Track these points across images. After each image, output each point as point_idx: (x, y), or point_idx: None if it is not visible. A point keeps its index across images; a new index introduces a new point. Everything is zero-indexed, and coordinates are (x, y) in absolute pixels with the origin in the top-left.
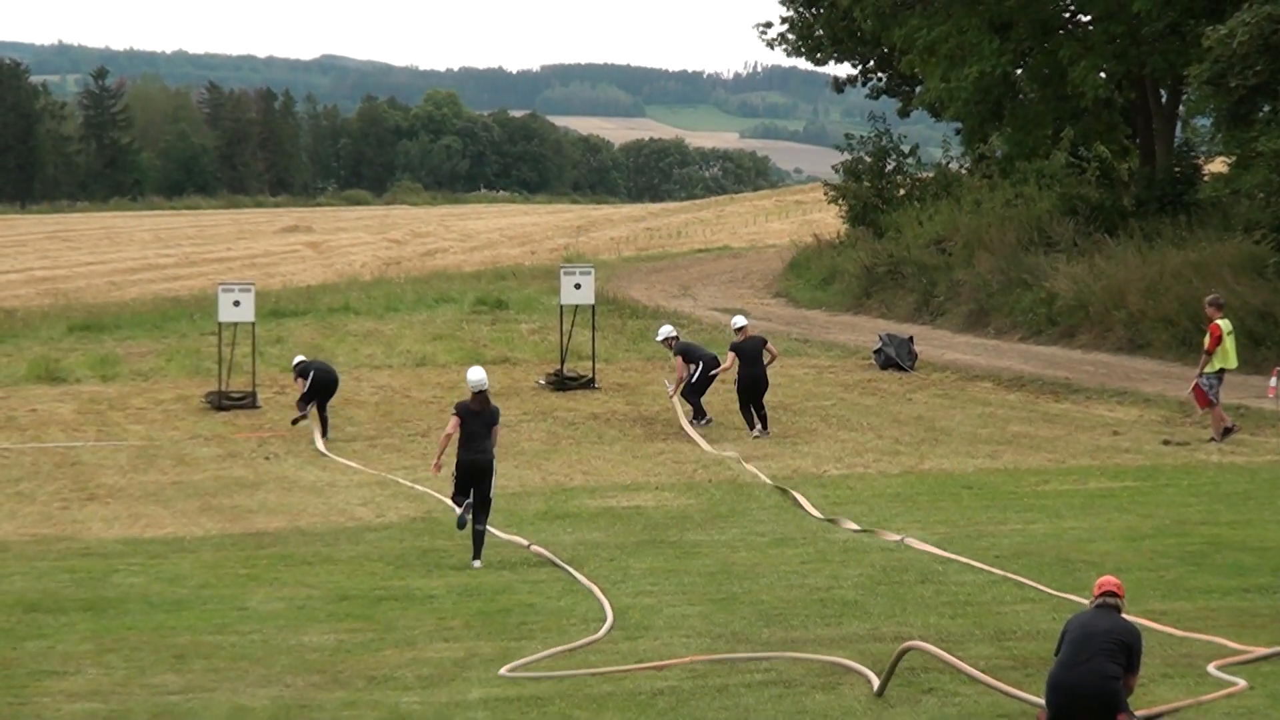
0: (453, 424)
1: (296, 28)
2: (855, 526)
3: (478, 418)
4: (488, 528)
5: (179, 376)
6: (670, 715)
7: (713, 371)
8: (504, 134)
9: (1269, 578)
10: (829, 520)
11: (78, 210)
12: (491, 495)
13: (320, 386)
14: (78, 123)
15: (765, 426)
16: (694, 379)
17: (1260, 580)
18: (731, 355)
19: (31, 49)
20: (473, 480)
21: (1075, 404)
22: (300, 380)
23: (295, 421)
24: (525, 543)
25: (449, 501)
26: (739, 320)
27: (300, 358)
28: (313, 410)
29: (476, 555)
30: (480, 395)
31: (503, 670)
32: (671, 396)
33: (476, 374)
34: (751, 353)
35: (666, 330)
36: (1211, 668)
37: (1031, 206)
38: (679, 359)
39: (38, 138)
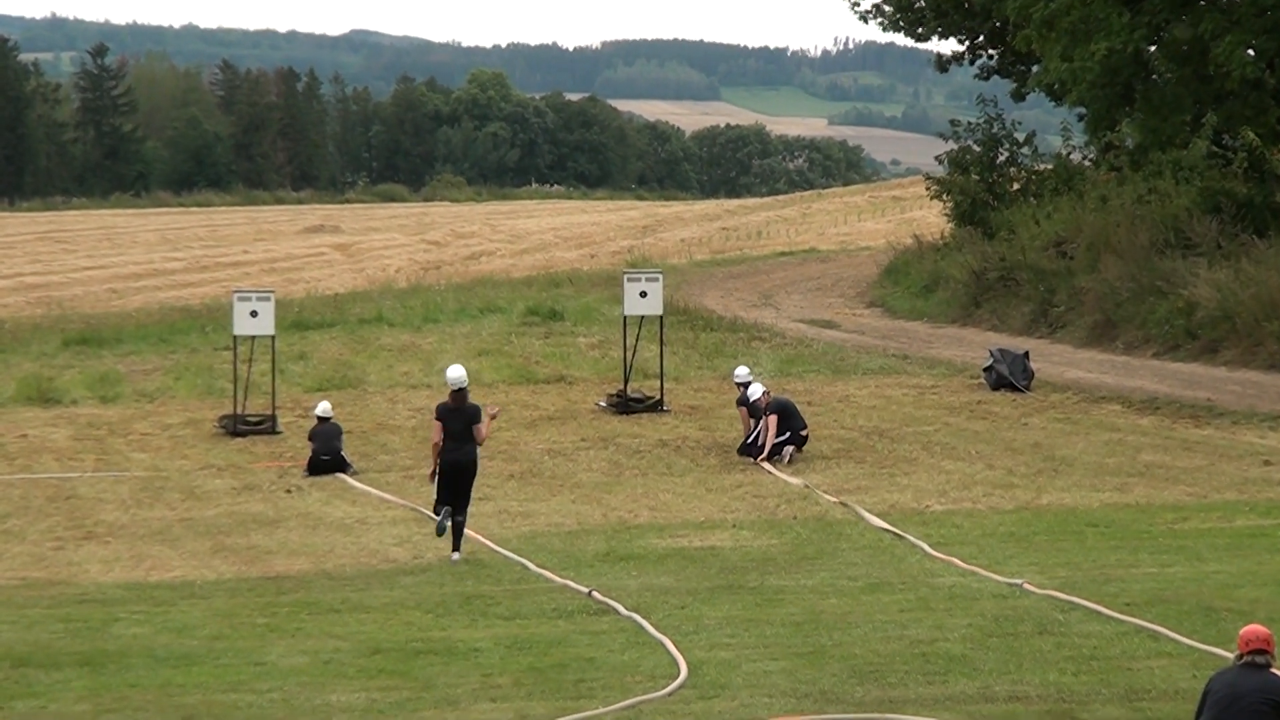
0: (436, 430)
1: None
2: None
3: (457, 415)
4: (501, 552)
5: (189, 398)
6: None
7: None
8: (559, 120)
9: None
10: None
11: (74, 208)
12: (471, 492)
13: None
14: (73, 107)
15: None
16: (778, 441)
17: None
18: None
19: (21, 23)
20: (456, 481)
21: (1219, 430)
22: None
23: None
24: (584, 589)
25: (460, 528)
26: (745, 376)
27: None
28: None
29: (456, 548)
30: (458, 393)
31: None
32: (761, 461)
33: (455, 371)
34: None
35: (747, 377)
36: None
37: (1167, 203)
38: (773, 418)
39: (28, 125)
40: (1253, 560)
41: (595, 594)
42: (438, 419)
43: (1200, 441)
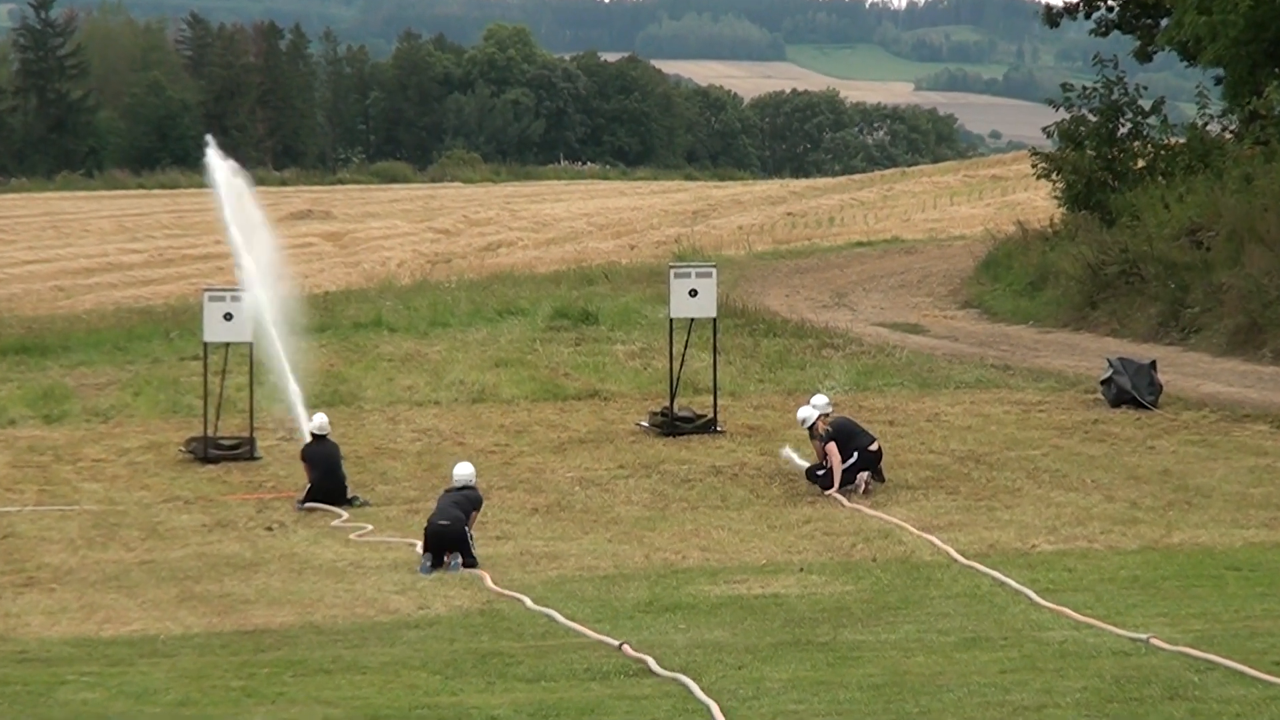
0: None
1: None
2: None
3: (455, 494)
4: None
5: (150, 417)
6: None
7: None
8: (593, 85)
9: None
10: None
11: (12, 190)
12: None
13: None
14: (12, 70)
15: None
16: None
17: None
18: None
19: None
20: (439, 547)
21: None
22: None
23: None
24: (615, 642)
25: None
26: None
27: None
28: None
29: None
30: (464, 488)
31: None
32: (832, 493)
33: (464, 470)
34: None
35: (816, 407)
36: None
37: None
38: (831, 445)
39: None
40: None
41: (627, 648)
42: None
43: None
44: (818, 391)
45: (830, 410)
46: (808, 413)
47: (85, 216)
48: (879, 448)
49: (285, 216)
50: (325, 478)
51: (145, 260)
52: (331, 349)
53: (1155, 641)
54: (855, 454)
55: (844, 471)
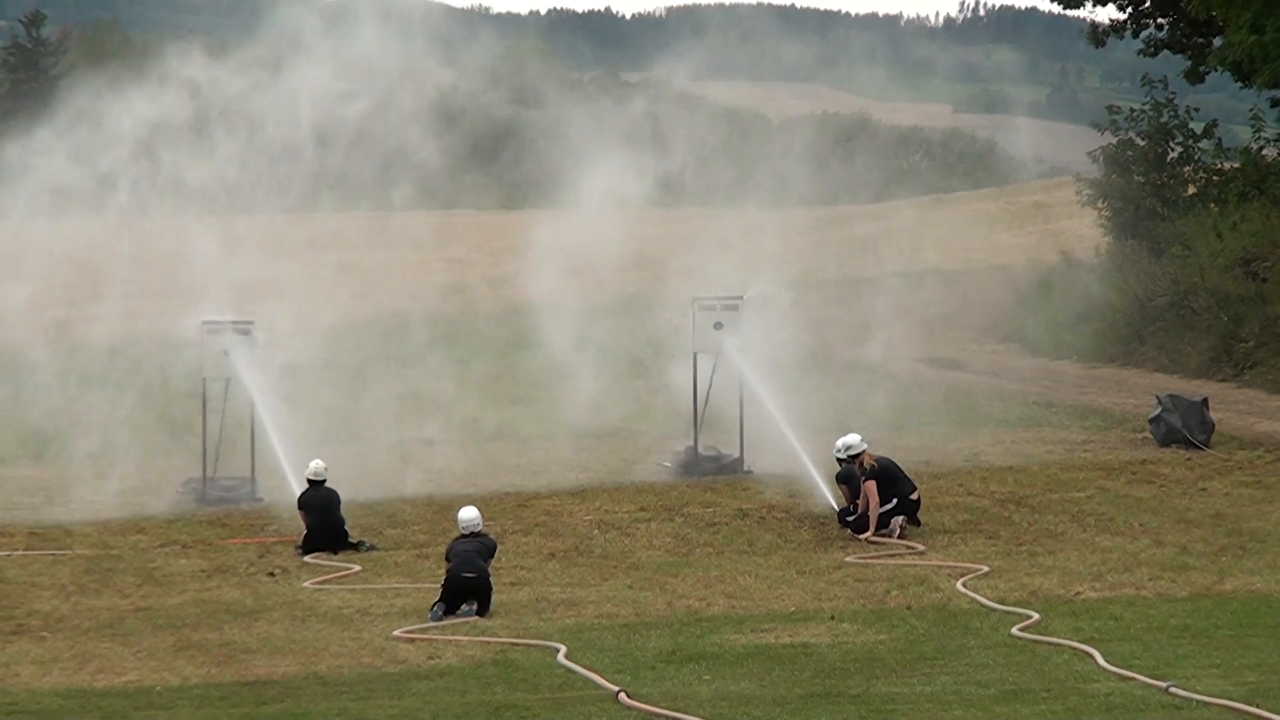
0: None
1: None
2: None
3: (472, 540)
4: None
5: (145, 456)
6: None
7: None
8: (614, 101)
9: None
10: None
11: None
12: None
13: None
14: (3, 88)
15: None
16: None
17: None
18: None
19: None
20: (461, 595)
21: None
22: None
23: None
24: (614, 688)
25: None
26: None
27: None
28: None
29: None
30: (471, 535)
31: None
32: (867, 537)
33: (468, 513)
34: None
35: (850, 442)
36: None
37: None
38: (871, 484)
39: None
40: None
41: (623, 696)
42: (447, 558)
43: None
44: (850, 430)
45: (862, 448)
46: (855, 440)
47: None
48: (918, 497)
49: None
50: (321, 523)
51: (136, 290)
52: (335, 385)
53: (1174, 690)
54: (895, 500)
55: (879, 516)
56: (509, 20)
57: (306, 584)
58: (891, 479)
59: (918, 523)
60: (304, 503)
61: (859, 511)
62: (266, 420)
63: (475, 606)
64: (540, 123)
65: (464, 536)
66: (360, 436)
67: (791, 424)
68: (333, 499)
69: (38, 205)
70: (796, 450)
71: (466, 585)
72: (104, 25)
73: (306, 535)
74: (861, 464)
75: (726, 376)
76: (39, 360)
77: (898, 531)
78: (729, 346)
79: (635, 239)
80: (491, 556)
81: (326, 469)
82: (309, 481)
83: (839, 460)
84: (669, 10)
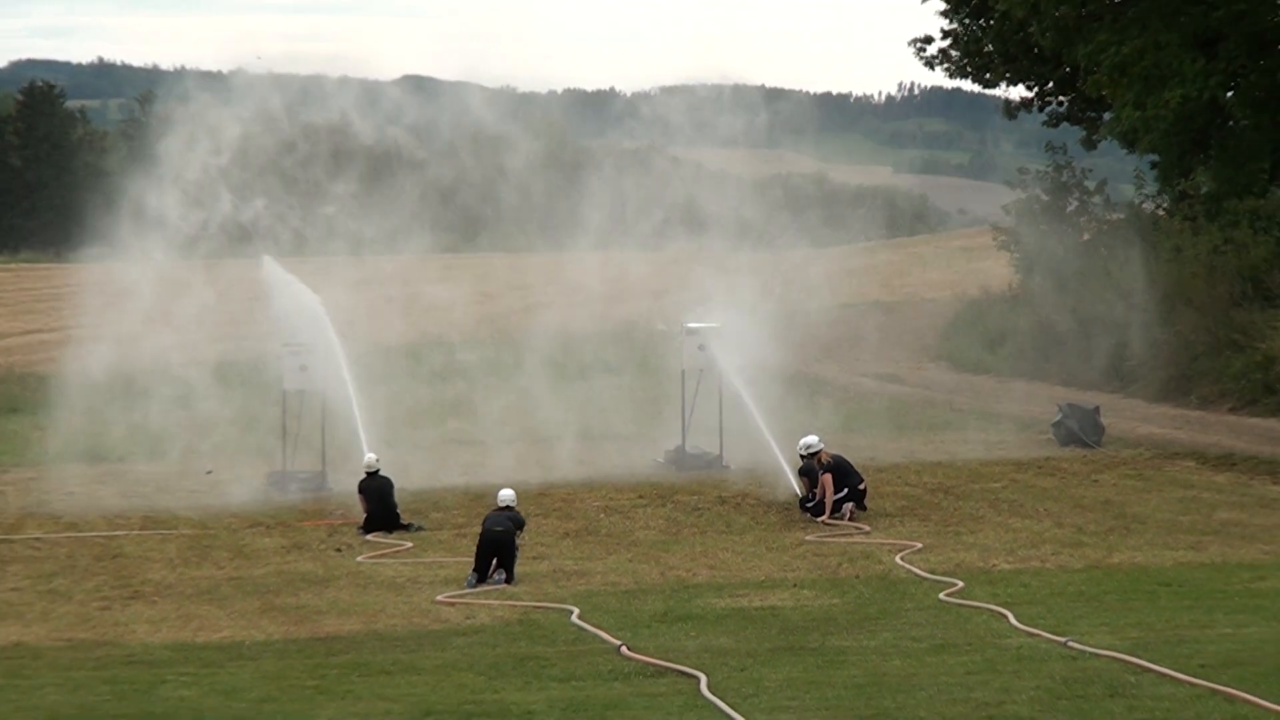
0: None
1: (377, 46)
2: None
3: (501, 516)
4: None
5: (236, 453)
6: None
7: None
8: (616, 167)
9: None
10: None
11: (123, 260)
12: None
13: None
14: (121, 155)
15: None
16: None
17: None
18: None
19: (68, 69)
20: (489, 552)
21: None
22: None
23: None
24: (617, 643)
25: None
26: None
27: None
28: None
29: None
30: (505, 508)
31: None
32: (826, 518)
33: (506, 492)
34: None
35: (810, 443)
36: None
37: (1244, 254)
38: (828, 476)
39: (75, 174)
40: None
41: (625, 649)
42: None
43: (1278, 499)
44: (809, 432)
45: (819, 449)
46: (814, 440)
47: (183, 282)
48: (865, 487)
49: (354, 282)
50: (378, 508)
51: (231, 319)
52: (388, 397)
53: (1072, 644)
54: (846, 490)
55: (833, 502)
56: (532, 98)
57: (359, 559)
58: (844, 472)
59: (864, 508)
60: (362, 489)
61: (816, 499)
62: (358, 416)
63: (505, 575)
64: (555, 181)
65: (498, 509)
66: (410, 435)
67: (766, 426)
68: (386, 486)
69: (148, 247)
70: (771, 446)
71: (493, 538)
72: (207, 102)
73: (366, 517)
74: (820, 460)
75: (708, 389)
76: (152, 375)
77: (848, 516)
78: (722, 361)
79: (632, 276)
80: (519, 528)
81: (378, 460)
82: (366, 472)
83: (801, 457)
84: (660, 89)
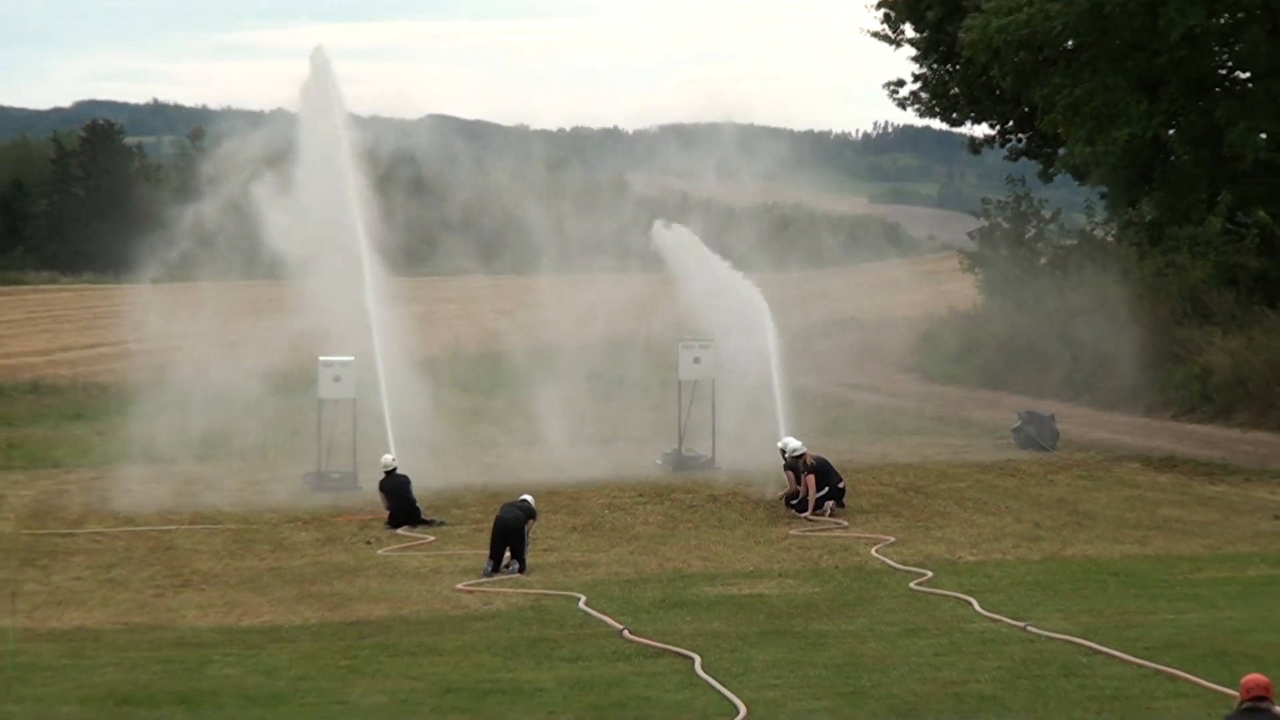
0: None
1: (403, 88)
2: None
3: (514, 506)
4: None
5: (276, 456)
6: None
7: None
8: (622, 196)
9: None
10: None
11: (176, 280)
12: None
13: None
14: (173, 186)
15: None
16: (819, 496)
17: None
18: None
19: (126, 109)
20: (501, 538)
21: (1233, 486)
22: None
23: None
24: (619, 627)
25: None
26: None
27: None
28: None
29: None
30: (524, 501)
31: None
32: (809, 515)
33: (528, 498)
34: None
35: (794, 446)
36: None
37: (1184, 276)
38: (810, 477)
39: (133, 203)
40: (1264, 607)
41: (626, 633)
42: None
43: (1215, 497)
44: (791, 436)
45: (801, 451)
46: (797, 444)
47: (235, 300)
48: (844, 486)
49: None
50: (398, 504)
51: (275, 334)
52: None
53: (1030, 629)
54: (827, 488)
55: (816, 500)
56: (546, 135)
57: (380, 551)
58: (825, 472)
59: (843, 505)
60: (382, 488)
61: (800, 497)
62: (388, 418)
63: (517, 565)
64: (564, 211)
65: (511, 503)
66: (433, 439)
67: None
68: (403, 484)
69: (197, 268)
70: (766, 446)
71: (504, 525)
72: (248, 137)
73: (389, 514)
74: (804, 461)
75: (702, 398)
76: (199, 385)
77: (828, 512)
78: (721, 373)
79: (633, 297)
80: (530, 518)
81: (394, 459)
82: (384, 471)
83: (782, 452)
84: (661, 128)
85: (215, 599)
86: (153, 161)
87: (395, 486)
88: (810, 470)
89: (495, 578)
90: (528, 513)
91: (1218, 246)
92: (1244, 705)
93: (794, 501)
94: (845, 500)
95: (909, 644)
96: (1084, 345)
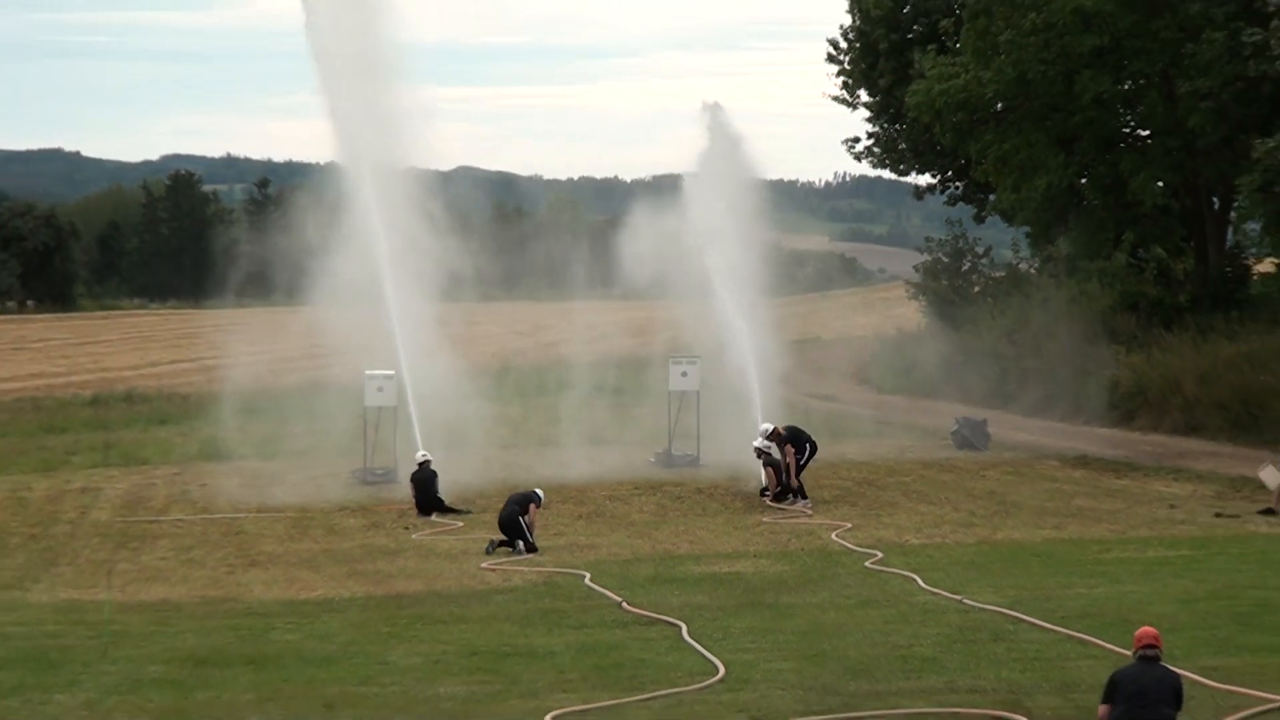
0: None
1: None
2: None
3: (518, 494)
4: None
5: (329, 454)
6: None
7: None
8: (619, 234)
9: None
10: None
11: (244, 306)
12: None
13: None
14: (243, 227)
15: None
16: (802, 461)
17: None
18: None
19: (204, 161)
20: (504, 531)
21: (1134, 480)
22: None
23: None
24: (618, 599)
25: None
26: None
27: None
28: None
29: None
30: (531, 492)
31: (549, 718)
32: (796, 478)
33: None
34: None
35: (766, 428)
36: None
37: (1094, 303)
38: (789, 446)
39: (209, 241)
40: (1160, 583)
41: (625, 605)
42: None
43: (1120, 490)
44: (764, 423)
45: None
46: (768, 426)
47: (290, 323)
48: (816, 446)
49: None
50: (422, 495)
51: (328, 351)
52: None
53: (966, 601)
54: (808, 445)
55: (783, 492)
56: (556, 184)
57: (415, 536)
58: (798, 438)
59: (806, 497)
60: (412, 478)
61: (774, 491)
62: (416, 422)
63: (524, 545)
64: (573, 245)
65: (514, 496)
66: (463, 441)
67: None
68: (429, 477)
69: (264, 295)
70: (745, 444)
71: (501, 521)
72: (305, 188)
73: (415, 503)
74: (777, 433)
75: (688, 406)
76: (265, 394)
77: (800, 505)
78: (695, 383)
79: (630, 320)
80: (531, 503)
81: (425, 454)
82: (417, 464)
83: (760, 447)
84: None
85: (277, 576)
86: (225, 206)
87: (422, 479)
88: (785, 439)
89: (515, 556)
90: (523, 504)
91: (1122, 278)
92: (1137, 653)
93: (767, 493)
94: (809, 492)
95: (863, 614)
96: (1011, 361)
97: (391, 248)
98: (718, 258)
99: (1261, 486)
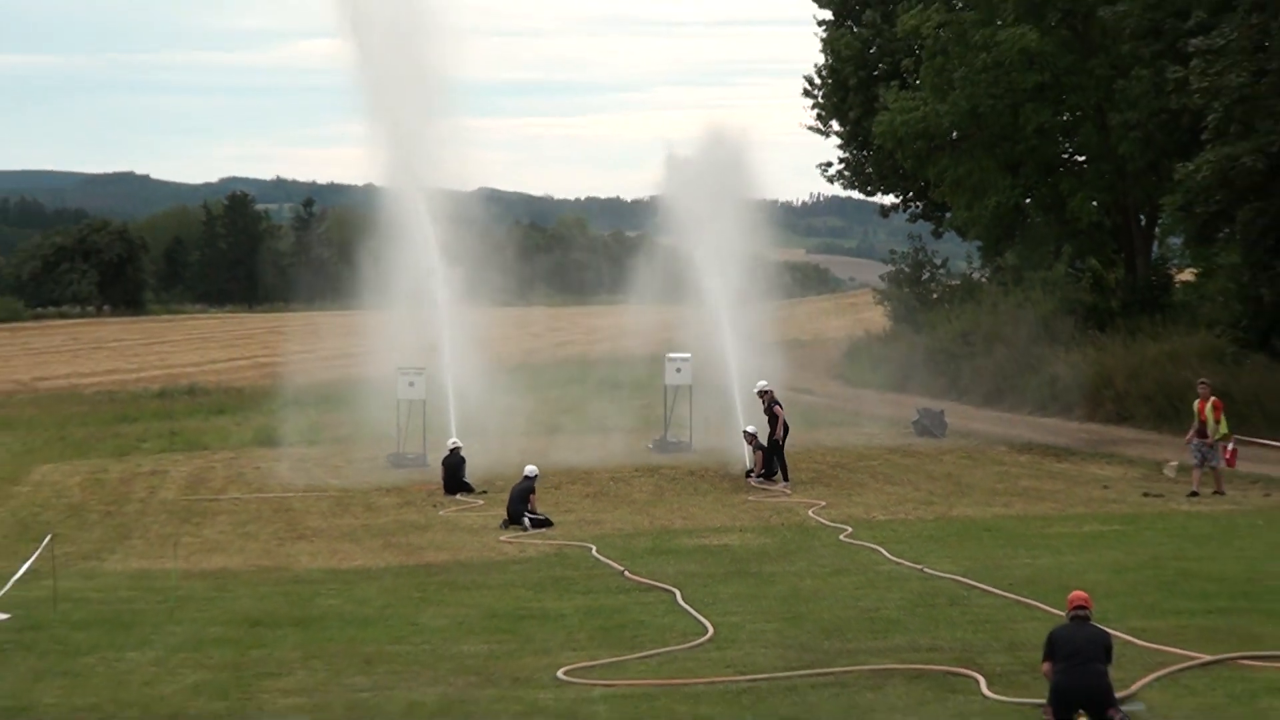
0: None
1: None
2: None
3: (518, 486)
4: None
5: (366, 441)
6: (752, 711)
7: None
8: (620, 250)
9: (1227, 601)
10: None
11: (291, 310)
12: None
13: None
14: (291, 242)
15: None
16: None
17: (1220, 604)
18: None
19: (256, 183)
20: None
21: (1073, 464)
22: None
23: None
24: (621, 568)
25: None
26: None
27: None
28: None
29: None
30: (530, 478)
31: (560, 673)
32: (781, 441)
33: (532, 468)
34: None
35: (763, 384)
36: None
37: (1038, 308)
38: (779, 408)
39: (260, 254)
40: (1095, 554)
41: (627, 574)
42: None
43: (1060, 472)
44: (761, 380)
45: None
46: (764, 383)
47: (332, 325)
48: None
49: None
50: (448, 478)
51: (363, 350)
52: (468, 404)
53: (927, 570)
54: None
55: (767, 477)
56: (565, 204)
57: (442, 513)
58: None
59: (787, 479)
60: (443, 462)
61: (758, 473)
62: (453, 413)
63: (529, 521)
64: (579, 257)
65: (519, 482)
66: (486, 430)
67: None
68: (457, 462)
69: (309, 301)
70: (731, 431)
71: (511, 518)
72: (345, 208)
73: (443, 485)
74: (772, 395)
75: (682, 398)
76: (312, 388)
77: (781, 486)
78: (682, 378)
79: (631, 322)
80: (528, 494)
81: (456, 441)
82: (449, 449)
83: (748, 432)
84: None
85: (322, 548)
86: (275, 223)
87: (451, 464)
88: (777, 402)
89: (530, 531)
90: (524, 498)
91: (1062, 286)
92: (1070, 614)
93: (751, 475)
94: (790, 474)
95: (836, 581)
96: (965, 359)
97: (439, 259)
98: (709, 267)
99: (1174, 480)
